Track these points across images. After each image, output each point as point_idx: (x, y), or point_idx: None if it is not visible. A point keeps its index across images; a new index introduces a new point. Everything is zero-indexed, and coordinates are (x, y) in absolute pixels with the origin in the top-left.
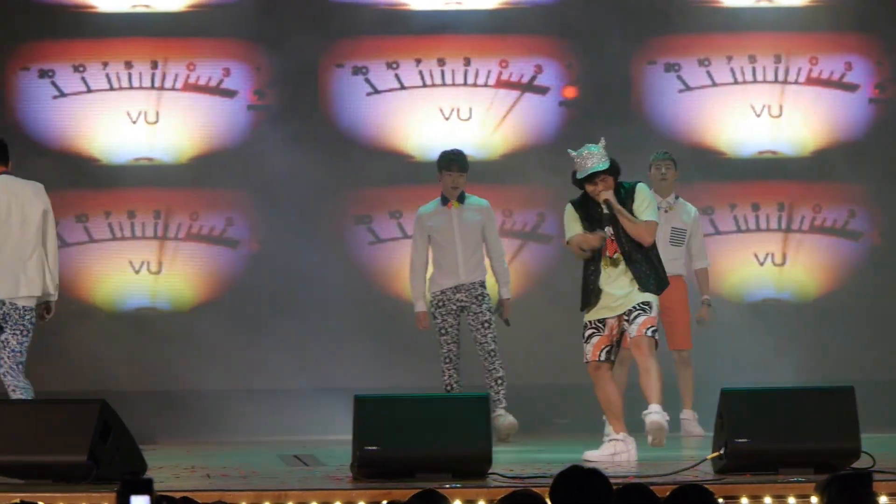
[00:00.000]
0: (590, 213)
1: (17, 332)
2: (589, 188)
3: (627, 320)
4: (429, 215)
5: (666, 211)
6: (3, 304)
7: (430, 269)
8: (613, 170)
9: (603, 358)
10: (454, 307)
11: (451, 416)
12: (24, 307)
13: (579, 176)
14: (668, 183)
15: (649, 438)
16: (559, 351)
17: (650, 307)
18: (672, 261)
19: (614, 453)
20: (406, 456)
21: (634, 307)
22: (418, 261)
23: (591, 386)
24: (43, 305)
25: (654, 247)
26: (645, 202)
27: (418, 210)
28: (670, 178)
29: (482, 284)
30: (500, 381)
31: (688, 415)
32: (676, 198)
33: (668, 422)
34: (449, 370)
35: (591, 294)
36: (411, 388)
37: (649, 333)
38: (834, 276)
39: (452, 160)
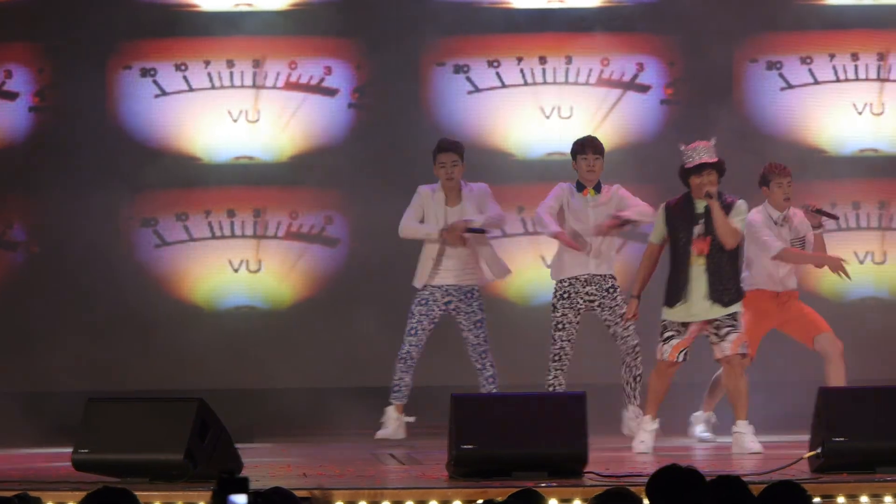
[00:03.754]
0: (683, 211)
1: None
2: (695, 181)
3: (717, 334)
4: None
5: (781, 225)
6: None
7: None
8: (720, 168)
9: (680, 360)
10: (581, 301)
11: (547, 414)
12: None
13: (687, 165)
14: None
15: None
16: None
17: (739, 322)
18: (789, 274)
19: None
20: (502, 454)
21: (723, 320)
22: None
23: None
24: None
25: (736, 257)
26: (739, 216)
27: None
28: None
29: (613, 277)
30: (637, 379)
31: None
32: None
33: None
34: (556, 370)
35: (679, 291)
36: (511, 387)
37: (742, 351)
38: None
39: (586, 144)
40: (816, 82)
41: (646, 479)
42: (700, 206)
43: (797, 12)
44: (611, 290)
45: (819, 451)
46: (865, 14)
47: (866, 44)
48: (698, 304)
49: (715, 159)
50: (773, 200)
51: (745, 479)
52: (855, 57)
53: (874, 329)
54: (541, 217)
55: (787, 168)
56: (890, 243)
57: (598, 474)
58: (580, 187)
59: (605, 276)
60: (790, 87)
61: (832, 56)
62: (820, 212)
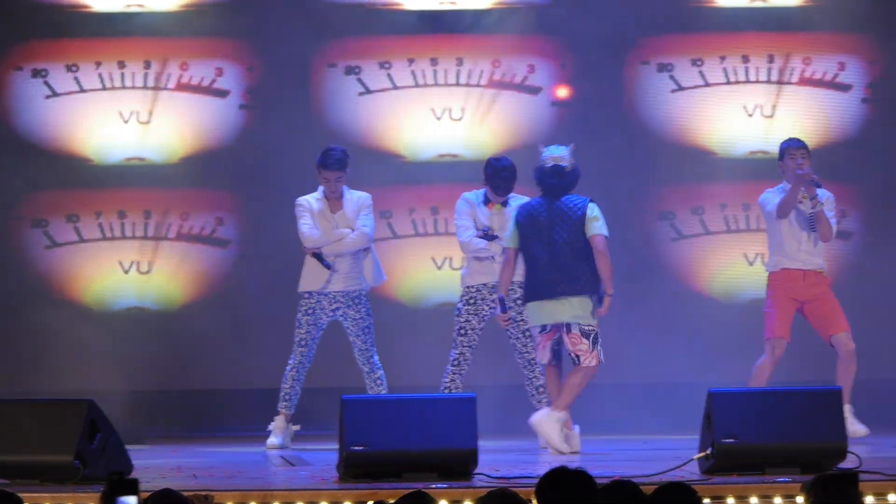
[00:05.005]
0: None
1: None
2: None
3: None
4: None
5: (801, 201)
6: None
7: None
8: None
9: None
10: (486, 308)
11: (437, 416)
12: None
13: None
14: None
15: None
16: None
17: None
18: (815, 252)
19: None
20: (392, 456)
21: None
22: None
23: None
24: None
25: None
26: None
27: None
28: (805, 166)
29: (521, 286)
30: (541, 390)
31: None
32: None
33: None
34: (454, 373)
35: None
36: (402, 389)
37: None
38: None
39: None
40: (707, 84)
41: (535, 481)
42: None
43: (688, 14)
44: (518, 302)
45: (709, 451)
46: (756, 16)
47: (756, 46)
48: None
49: None
50: (787, 174)
51: (635, 480)
52: (745, 59)
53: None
54: (473, 243)
55: (802, 141)
56: None
57: (488, 476)
58: (486, 200)
59: (513, 282)
60: (681, 89)
61: (723, 58)
62: (812, 181)
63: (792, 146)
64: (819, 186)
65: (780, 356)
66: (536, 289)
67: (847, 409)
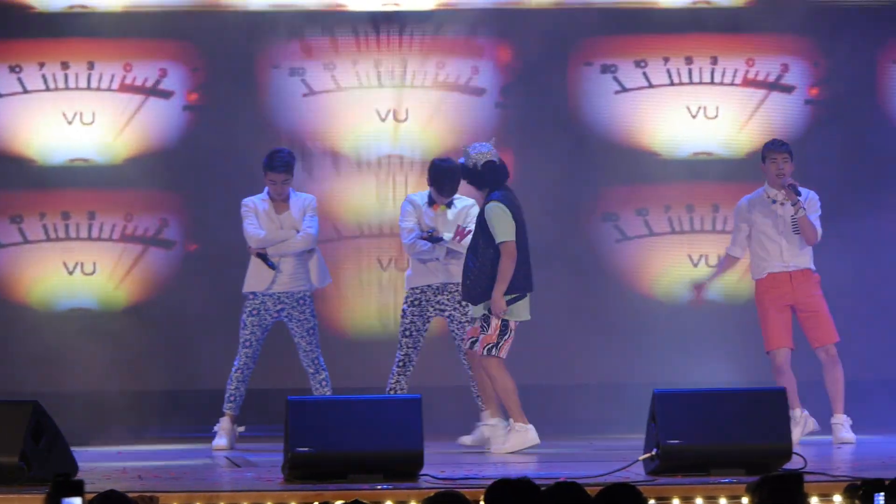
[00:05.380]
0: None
1: None
2: None
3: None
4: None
5: (783, 203)
6: None
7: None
8: None
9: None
10: (431, 309)
11: (383, 417)
12: None
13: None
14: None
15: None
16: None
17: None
18: (799, 252)
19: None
20: (337, 457)
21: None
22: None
23: None
24: None
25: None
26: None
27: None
28: (787, 170)
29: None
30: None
31: (839, 419)
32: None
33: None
34: (399, 374)
35: None
36: (351, 390)
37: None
38: None
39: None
40: (651, 85)
41: (481, 482)
42: None
43: (631, 15)
44: (462, 304)
45: (654, 452)
46: (699, 17)
47: (700, 47)
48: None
49: None
50: (768, 177)
51: (581, 481)
52: (689, 60)
53: (709, 332)
54: (417, 245)
55: (785, 143)
56: (723, 246)
57: (433, 477)
58: (431, 201)
59: (459, 284)
60: (625, 90)
61: (666, 59)
62: (792, 187)
63: (774, 149)
64: (798, 193)
65: (784, 365)
66: (529, 281)
67: (839, 419)
